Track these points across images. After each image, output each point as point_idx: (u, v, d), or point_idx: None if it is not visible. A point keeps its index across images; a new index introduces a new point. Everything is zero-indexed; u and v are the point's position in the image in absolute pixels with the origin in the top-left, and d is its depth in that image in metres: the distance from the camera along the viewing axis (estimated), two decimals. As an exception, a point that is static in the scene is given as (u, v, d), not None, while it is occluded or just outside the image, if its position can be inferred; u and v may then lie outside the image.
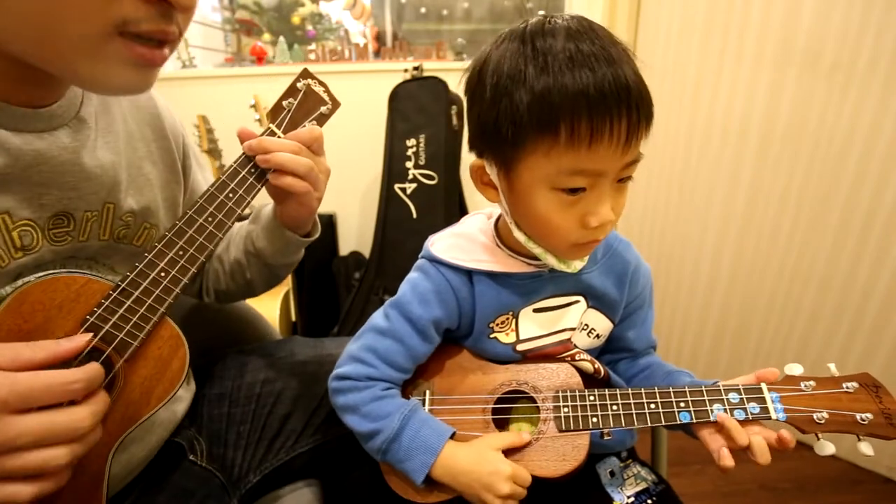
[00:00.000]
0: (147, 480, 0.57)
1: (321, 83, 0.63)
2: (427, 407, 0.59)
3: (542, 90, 0.44)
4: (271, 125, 0.59)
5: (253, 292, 0.72)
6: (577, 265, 0.55)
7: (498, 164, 0.51)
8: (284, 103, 0.60)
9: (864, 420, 0.46)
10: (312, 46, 1.84)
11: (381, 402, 0.56)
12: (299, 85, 0.61)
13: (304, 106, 0.61)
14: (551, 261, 0.54)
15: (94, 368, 0.41)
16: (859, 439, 0.47)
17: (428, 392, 0.60)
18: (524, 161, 0.48)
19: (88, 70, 0.40)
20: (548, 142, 0.45)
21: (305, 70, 0.62)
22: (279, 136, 0.58)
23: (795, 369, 0.51)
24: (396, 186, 1.60)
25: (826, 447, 0.47)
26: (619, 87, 0.44)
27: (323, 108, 0.62)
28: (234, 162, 0.57)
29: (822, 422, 0.47)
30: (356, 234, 1.92)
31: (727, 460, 0.48)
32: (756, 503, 1.27)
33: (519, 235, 0.53)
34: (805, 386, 0.49)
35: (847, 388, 0.48)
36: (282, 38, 1.82)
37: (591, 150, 0.44)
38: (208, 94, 1.73)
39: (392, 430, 0.54)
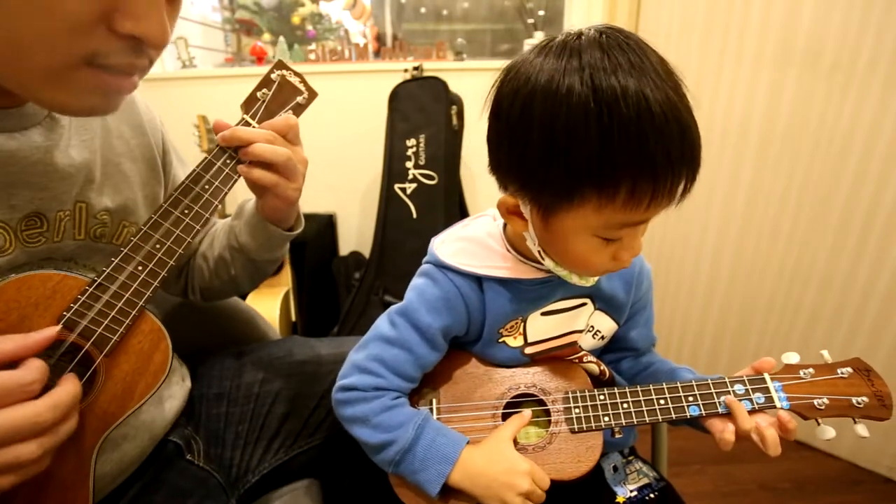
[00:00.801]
0: (144, 480, 0.57)
1: (297, 74, 0.62)
2: (435, 416, 0.58)
3: (607, 149, 0.40)
4: (245, 115, 0.59)
5: (238, 289, 0.72)
6: (594, 279, 0.56)
7: (536, 205, 0.48)
8: (258, 94, 0.60)
9: (859, 403, 0.48)
10: (312, 46, 1.84)
11: (391, 412, 0.54)
12: (273, 76, 0.61)
13: (279, 97, 0.61)
14: (574, 280, 0.54)
15: (45, 368, 0.40)
16: (855, 422, 0.49)
17: (434, 401, 0.59)
18: (570, 210, 0.45)
19: (51, 96, 0.39)
20: (604, 200, 0.43)
21: (280, 62, 0.62)
22: (254, 126, 0.58)
23: (792, 358, 0.53)
24: (396, 186, 1.60)
25: (827, 432, 0.49)
26: (685, 146, 0.42)
27: (299, 98, 0.62)
28: (209, 153, 0.56)
29: (823, 407, 0.49)
30: (356, 234, 1.92)
31: (729, 434, 0.49)
32: (756, 503, 1.27)
33: (548, 263, 0.53)
34: (804, 374, 0.51)
35: (841, 373, 0.51)
36: (282, 38, 1.82)
37: (650, 209, 0.44)
38: (208, 94, 1.73)
39: (406, 440, 0.52)
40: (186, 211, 0.53)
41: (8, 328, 0.43)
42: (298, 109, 0.62)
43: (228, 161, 0.57)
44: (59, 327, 0.43)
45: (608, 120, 0.40)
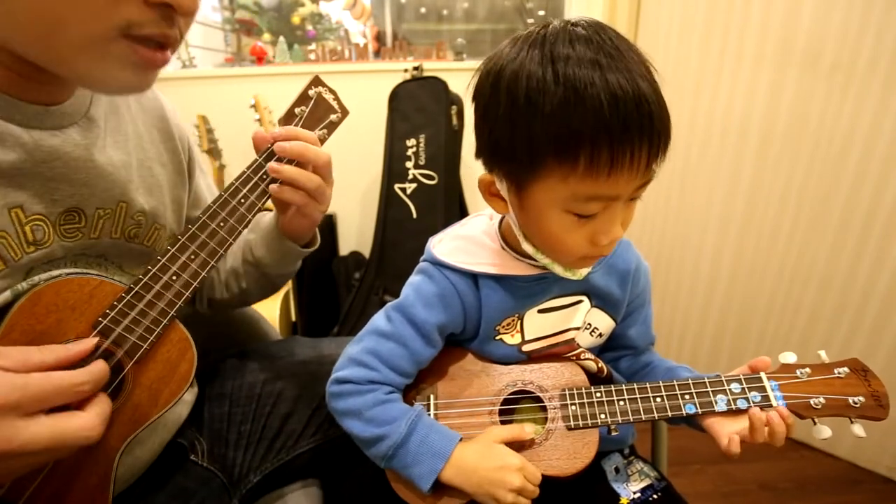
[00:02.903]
0: (149, 480, 0.57)
1: (331, 91, 0.63)
2: (432, 412, 0.58)
3: (562, 117, 0.42)
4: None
5: (247, 301, 0.73)
6: (583, 272, 0.55)
7: (509, 181, 0.49)
8: (296, 111, 0.60)
9: (856, 403, 0.48)
10: (312, 46, 1.84)
11: (385, 406, 0.54)
12: (311, 92, 0.61)
13: (315, 114, 0.61)
14: (558, 270, 0.54)
15: (100, 369, 0.42)
16: (851, 422, 0.49)
17: (432, 397, 0.59)
18: (538, 183, 0.46)
19: (88, 69, 0.41)
20: (565, 169, 0.44)
21: (317, 77, 0.62)
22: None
23: (789, 357, 0.53)
24: (396, 186, 1.60)
25: (823, 431, 0.49)
26: (643, 115, 0.42)
27: (333, 117, 0.62)
28: (248, 168, 0.57)
29: (819, 407, 0.49)
30: (356, 234, 1.92)
31: (735, 446, 0.50)
32: (756, 503, 1.27)
33: (527, 247, 0.53)
34: (801, 373, 0.51)
35: (838, 373, 0.51)
36: (282, 38, 1.82)
37: (611, 178, 0.43)
38: (208, 94, 1.73)
39: (399, 435, 0.52)
40: (222, 224, 0.54)
41: (46, 330, 0.44)
42: (332, 127, 0.62)
43: (265, 177, 0.57)
44: (95, 339, 0.45)
45: (564, 87, 0.42)
